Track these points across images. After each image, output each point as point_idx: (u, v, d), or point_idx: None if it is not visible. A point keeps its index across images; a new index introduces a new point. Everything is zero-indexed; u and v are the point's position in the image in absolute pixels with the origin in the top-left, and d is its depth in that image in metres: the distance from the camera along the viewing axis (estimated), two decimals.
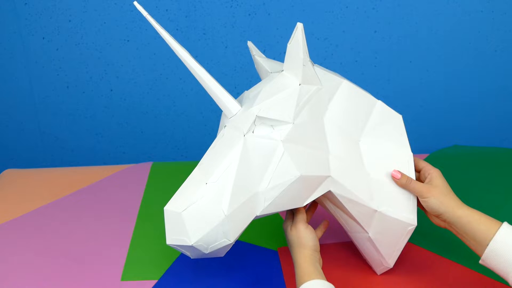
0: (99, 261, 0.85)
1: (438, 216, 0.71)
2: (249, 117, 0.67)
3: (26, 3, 1.28)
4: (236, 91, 1.33)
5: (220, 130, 0.72)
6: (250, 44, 0.82)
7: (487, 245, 0.65)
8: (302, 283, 0.65)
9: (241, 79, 1.35)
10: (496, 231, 0.65)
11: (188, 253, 0.68)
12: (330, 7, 1.29)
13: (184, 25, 1.29)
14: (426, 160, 1.19)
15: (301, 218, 0.73)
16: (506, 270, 0.64)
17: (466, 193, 1.03)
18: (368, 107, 0.76)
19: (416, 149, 1.43)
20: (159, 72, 1.35)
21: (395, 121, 0.77)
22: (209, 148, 0.69)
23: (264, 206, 0.67)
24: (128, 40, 1.31)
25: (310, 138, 0.69)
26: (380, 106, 0.76)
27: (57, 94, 1.39)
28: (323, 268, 0.71)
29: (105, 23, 1.30)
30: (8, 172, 1.19)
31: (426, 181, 0.73)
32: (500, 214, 0.95)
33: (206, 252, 0.66)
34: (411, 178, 0.73)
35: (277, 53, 1.31)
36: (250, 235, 0.91)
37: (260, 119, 0.67)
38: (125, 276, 0.81)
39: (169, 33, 0.70)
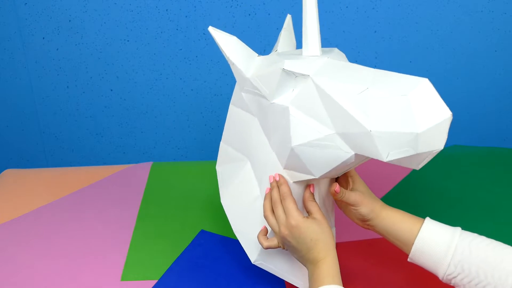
0: (99, 261, 0.85)
1: (364, 221, 0.71)
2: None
3: (26, 3, 1.28)
4: None
5: (309, 63, 0.65)
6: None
7: (413, 244, 0.65)
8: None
9: None
10: (419, 229, 0.65)
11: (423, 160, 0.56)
12: (330, 7, 1.29)
13: (184, 25, 1.29)
14: None
15: (292, 207, 0.67)
16: (435, 267, 0.64)
17: (466, 193, 1.03)
18: None
19: None
20: (159, 72, 1.35)
21: None
22: (349, 70, 0.63)
23: None
24: (128, 40, 1.31)
25: None
26: None
27: (57, 94, 1.39)
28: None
29: (105, 23, 1.30)
30: (8, 172, 1.19)
31: (350, 186, 0.72)
32: (500, 214, 0.95)
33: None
34: (346, 190, 0.71)
35: None
36: None
37: None
38: (125, 276, 0.81)
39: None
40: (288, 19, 0.79)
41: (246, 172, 0.76)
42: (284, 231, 0.66)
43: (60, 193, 1.09)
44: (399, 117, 0.55)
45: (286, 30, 0.79)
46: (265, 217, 0.70)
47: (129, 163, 1.45)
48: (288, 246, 0.68)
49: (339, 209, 0.77)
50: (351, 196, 0.70)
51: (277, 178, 0.70)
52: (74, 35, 1.31)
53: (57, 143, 1.45)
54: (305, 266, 0.68)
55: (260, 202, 0.74)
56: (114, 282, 0.80)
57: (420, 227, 0.66)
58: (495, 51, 1.35)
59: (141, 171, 1.18)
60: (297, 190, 0.70)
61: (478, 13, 1.30)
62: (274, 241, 0.69)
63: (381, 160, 0.57)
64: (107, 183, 1.13)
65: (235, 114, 0.77)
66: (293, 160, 0.67)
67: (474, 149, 1.28)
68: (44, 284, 0.79)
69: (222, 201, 0.81)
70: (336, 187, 0.68)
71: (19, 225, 0.96)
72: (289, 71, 0.65)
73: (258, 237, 0.71)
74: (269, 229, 0.72)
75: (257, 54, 0.74)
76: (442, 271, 0.63)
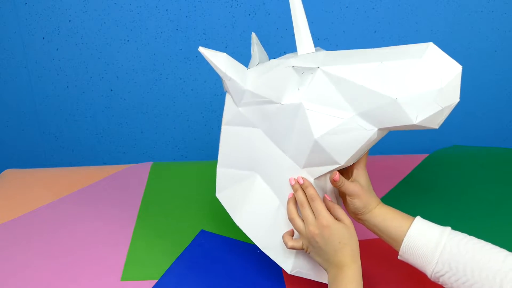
0: (99, 261, 0.85)
1: (356, 214, 0.71)
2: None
3: (26, 3, 1.28)
4: None
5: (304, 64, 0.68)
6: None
7: (402, 241, 0.66)
8: None
9: None
10: (409, 227, 0.66)
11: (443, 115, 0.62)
12: (330, 7, 1.29)
13: (184, 25, 1.29)
14: (426, 160, 1.19)
15: (323, 208, 0.67)
16: (423, 264, 0.64)
17: (466, 193, 1.03)
18: None
19: (416, 149, 1.43)
20: (159, 72, 1.35)
21: None
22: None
23: None
24: (128, 40, 1.31)
25: None
26: None
27: (57, 94, 1.39)
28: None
29: (105, 23, 1.30)
30: (8, 172, 1.19)
31: (353, 177, 0.72)
32: (499, 214, 0.95)
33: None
34: (345, 179, 0.70)
35: (277, 53, 1.31)
36: None
37: None
38: (125, 276, 0.81)
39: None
40: (254, 36, 0.82)
41: (258, 186, 0.76)
42: (314, 230, 0.66)
43: (60, 193, 1.09)
44: (419, 79, 0.59)
45: (258, 45, 0.81)
46: (291, 219, 0.70)
47: (129, 163, 1.45)
48: (313, 247, 0.67)
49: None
50: (350, 186, 0.70)
51: (301, 181, 0.70)
52: (74, 35, 1.31)
53: (57, 143, 1.45)
54: (326, 269, 0.67)
55: (282, 210, 0.73)
56: (114, 282, 0.80)
57: (410, 225, 0.66)
58: (495, 51, 1.35)
59: (141, 171, 1.18)
60: (318, 186, 0.71)
61: (478, 13, 1.30)
62: (299, 243, 0.69)
63: (410, 123, 0.61)
64: (107, 183, 1.13)
65: (231, 134, 0.77)
66: (316, 154, 0.67)
67: (474, 149, 1.28)
68: (44, 284, 0.79)
69: (238, 224, 0.78)
70: (336, 175, 0.68)
71: (19, 225, 0.96)
72: (298, 67, 0.67)
73: (283, 237, 0.71)
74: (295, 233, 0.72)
75: (246, 68, 0.75)
76: (430, 269, 0.64)
